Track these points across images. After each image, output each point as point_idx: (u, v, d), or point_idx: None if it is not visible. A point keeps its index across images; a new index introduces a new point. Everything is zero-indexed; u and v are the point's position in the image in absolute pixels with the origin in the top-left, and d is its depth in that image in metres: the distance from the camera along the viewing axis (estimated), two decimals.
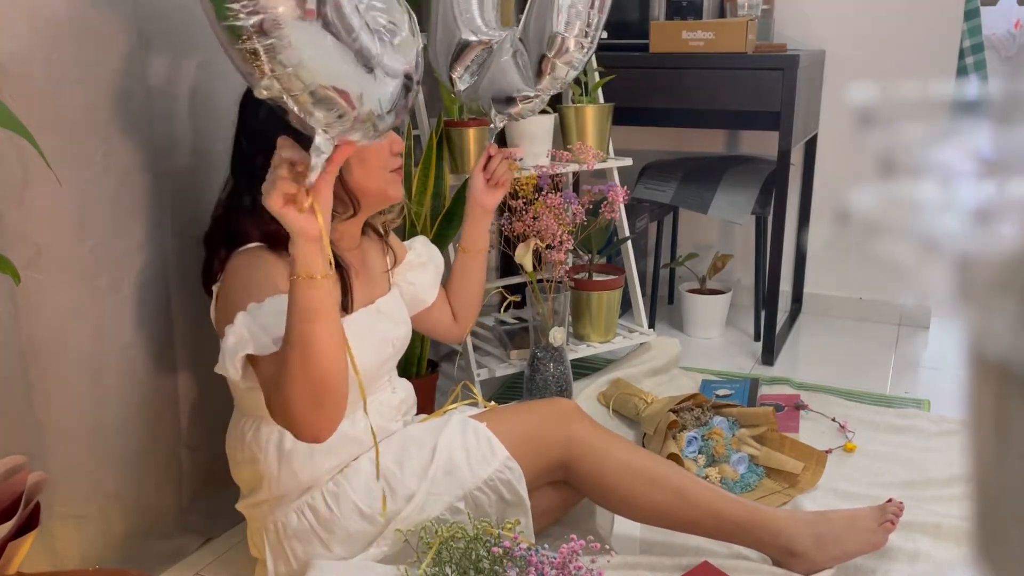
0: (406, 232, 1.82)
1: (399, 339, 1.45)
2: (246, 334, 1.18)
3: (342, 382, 1.15)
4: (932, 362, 2.41)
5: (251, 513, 1.38)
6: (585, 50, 1.50)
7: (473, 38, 1.58)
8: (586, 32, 1.47)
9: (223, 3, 0.89)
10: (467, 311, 1.68)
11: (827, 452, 1.76)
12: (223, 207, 1.33)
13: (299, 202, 1.03)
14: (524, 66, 1.54)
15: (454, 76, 1.62)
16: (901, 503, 1.40)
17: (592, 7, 1.46)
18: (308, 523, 1.32)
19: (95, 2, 1.28)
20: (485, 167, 1.62)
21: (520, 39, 1.55)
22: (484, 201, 1.63)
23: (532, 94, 1.56)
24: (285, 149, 1.04)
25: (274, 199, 1.03)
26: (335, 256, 1.31)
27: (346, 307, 1.32)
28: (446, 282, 1.69)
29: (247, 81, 0.97)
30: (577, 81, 2.10)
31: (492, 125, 1.66)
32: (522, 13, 1.57)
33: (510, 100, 1.58)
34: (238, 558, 1.53)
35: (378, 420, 1.39)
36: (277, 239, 1.24)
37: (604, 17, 1.50)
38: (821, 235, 2.68)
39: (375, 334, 1.38)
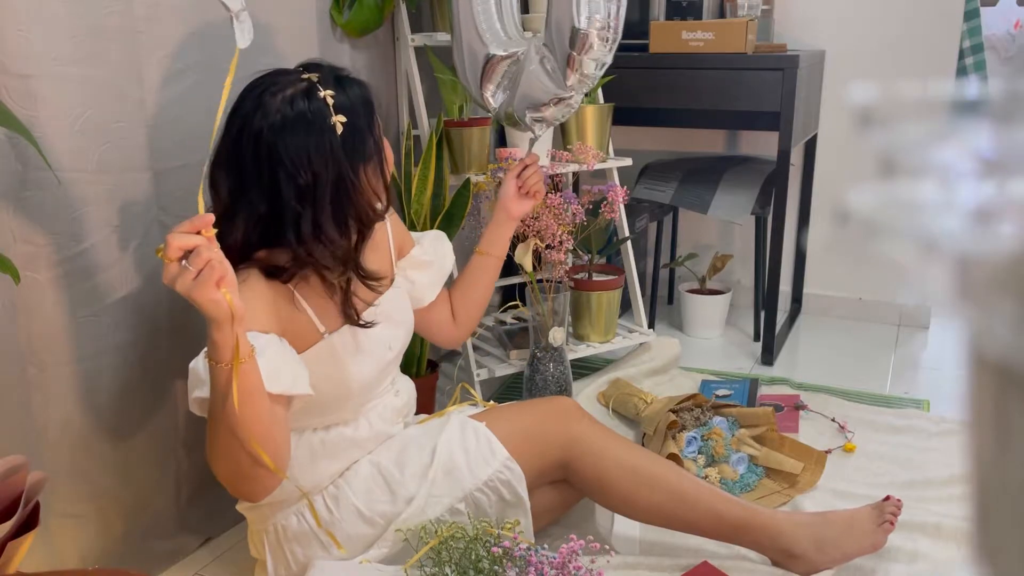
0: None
1: (398, 339, 1.41)
2: (203, 375, 1.14)
3: (279, 454, 1.15)
4: (932, 362, 2.41)
5: (251, 515, 1.38)
6: (609, 43, 1.49)
7: (500, 52, 1.56)
8: (608, 24, 1.46)
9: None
10: (468, 314, 1.64)
11: (827, 452, 1.76)
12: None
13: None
14: (553, 70, 1.53)
15: (486, 95, 1.60)
16: (899, 500, 1.40)
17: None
18: (308, 526, 1.32)
19: (95, 2, 1.28)
20: (520, 174, 1.60)
21: (545, 44, 1.54)
22: (512, 208, 1.61)
23: (564, 95, 1.55)
24: (180, 238, 0.98)
25: (206, 286, 0.99)
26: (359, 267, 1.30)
27: (349, 318, 1.29)
28: (452, 282, 1.66)
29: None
30: None
31: (532, 136, 1.65)
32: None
33: (544, 106, 1.57)
34: (237, 558, 1.53)
35: (380, 424, 1.39)
36: (274, 261, 1.23)
37: (624, 7, 1.48)
38: (821, 235, 2.68)
39: (370, 342, 1.34)
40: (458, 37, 1.59)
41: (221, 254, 1.01)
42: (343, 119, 1.20)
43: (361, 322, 1.29)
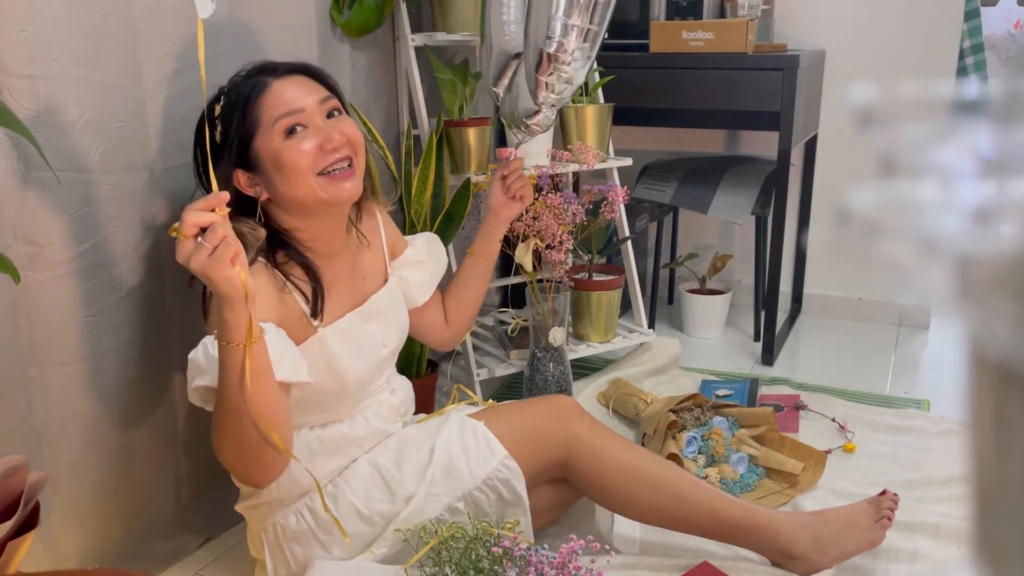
0: (406, 231, 1.82)
1: (392, 337, 1.42)
2: (204, 364, 1.15)
3: (284, 436, 1.15)
4: (932, 362, 2.41)
5: (250, 515, 1.38)
6: (577, 63, 1.44)
7: (519, 50, 1.57)
8: (572, 47, 1.42)
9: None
10: (461, 315, 1.64)
11: (827, 452, 1.76)
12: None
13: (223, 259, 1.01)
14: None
15: (498, 91, 1.61)
16: (896, 495, 1.40)
17: (590, 21, 1.41)
18: (307, 525, 1.32)
19: (94, 1, 1.28)
20: (505, 177, 1.60)
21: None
22: (499, 212, 1.61)
23: (537, 108, 1.55)
24: (196, 215, 1.00)
25: (222, 264, 1.00)
26: (310, 266, 1.30)
27: (315, 314, 1.28)
28: (446, 283, 1.67)
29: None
30: None
31: (516, 140, 1.65)
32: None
33: (529, 114, 1.57)
34: (237, 558, 1.53)
35: (377, 422, 1.39)
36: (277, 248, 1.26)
37: (601, 29, 1.44)
38: (821, 235, 2.68)
39: (364, 339, 1.35)
40: (487, 32, 1.61)
41: (234, 233, 1.02)
42: (219, 128, 1.25)
43: (320, 321, 1.29)
